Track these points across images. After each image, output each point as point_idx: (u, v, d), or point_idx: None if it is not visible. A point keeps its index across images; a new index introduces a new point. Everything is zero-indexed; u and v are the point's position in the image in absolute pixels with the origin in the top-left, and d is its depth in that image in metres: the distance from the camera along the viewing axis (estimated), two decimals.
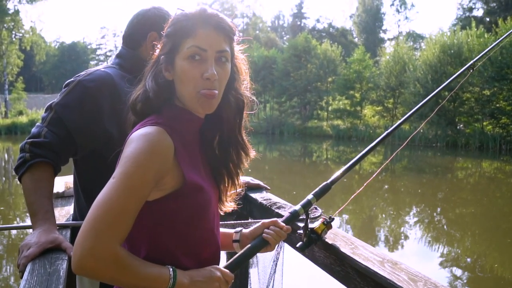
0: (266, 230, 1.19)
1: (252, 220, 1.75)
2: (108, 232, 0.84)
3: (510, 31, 1.87)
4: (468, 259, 5.85)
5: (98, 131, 1.51)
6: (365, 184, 1.44)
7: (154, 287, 0.91)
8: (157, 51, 1.07)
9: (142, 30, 1.62)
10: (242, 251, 1.15)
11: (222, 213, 1.20)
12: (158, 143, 0.94)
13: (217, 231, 1.12)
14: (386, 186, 11.13)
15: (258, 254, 1.95)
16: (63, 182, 2.22)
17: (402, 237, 6.83)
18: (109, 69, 1.58)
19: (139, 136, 0.95)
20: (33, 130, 1.48)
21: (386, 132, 1.50)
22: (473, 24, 23.24)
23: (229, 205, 1.21)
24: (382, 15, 57.68)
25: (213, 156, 1.15)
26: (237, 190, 1.20)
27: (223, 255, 1.30)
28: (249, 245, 1.16)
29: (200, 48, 0.99)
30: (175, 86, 1.04)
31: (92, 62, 63.45)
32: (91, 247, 0.82)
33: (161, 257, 0.98)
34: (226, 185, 1.17)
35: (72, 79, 1.55)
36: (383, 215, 8.36)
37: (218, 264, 1.09)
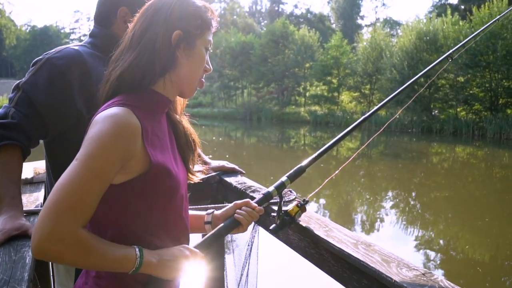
0: (238, 210, 1.19)
1: (227, 204, 1.73)
2: (68, 214, 0.81)
3: (493, 20, 1.89)
4: (441, 241, 6.00)
5: (68, 110, 1.44)
6: (340, 168, 1.43)
7: (121, 268, 0.89)
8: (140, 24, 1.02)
9: (112, 7, 1.56)
10: (213, 231, 1.14)
11: (193, 182, 1.19)
12: (124, 124, 0.90)
13: (185, 214, 1.10)
14: (362, 171, 11.28)
15: (233, 238, 1.94)
16: (31, 168, 2.15)
17: (378, 221, 6.95)
18: (80, 47, 1.52)
19: (104, 117, 0.91)
20: (0, 111, 1.41)
21: (363, 117, 1.48)
22: (449, 12, 23.60)
23: (198, 174, 1.20)
24: (360, 1, 57.98)
25: (180, 133, 1.14)
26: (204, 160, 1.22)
27: (198, 238, 1.28)
28: (220, 225, 1.15)
29: (211, 43, 1.09)
30: (176, 65, 1.03)
31: None
32: (50, 229, 0.79)
33: (128, 239, 0.95)
34: (193, 159, 1.18)
35: (40, 57, 1.49)
36: (360, 200, 8.48)
37: None
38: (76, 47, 1.51)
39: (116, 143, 0.88)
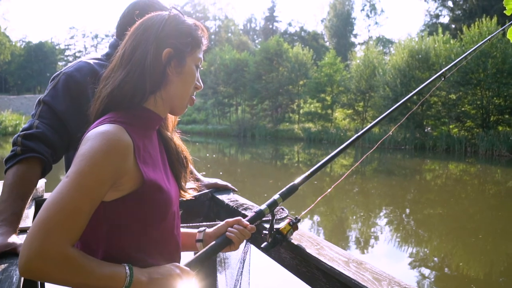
0: (229, 228, 1.19)
1: (219, 222, 1.72)
2: (58, 233, 0.80)
3: (484, 40, 1.93)
4: (436, 259, 5.97)
5: (88, 117, 1.49)
6: (332, 186, 1.43)
7: (110, 286, 0.88)
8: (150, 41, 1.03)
9: (133, 20, 1.60)
10: (204, 249, 1.13)
11: (185, 199, 1.19)
12: (116, 142, 0.90)
13: (177, 231, 1.10)
14: (356, 188, 11.27)
15: (225, 256, 1.93)
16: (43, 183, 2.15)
17: (372, 238, 6.92)
18: (92, 60, 1.60)
19: (96, 134, 0.91)
20: (24, 125, 1.46)
21: (355, 136, 1.49)
22: (440, 30, 23.94)
23: (190, 192, 1.21)
24: (353, 20, 58.72)
25: (171, 150, 1.15)
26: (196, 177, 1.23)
27: (190, 255, 1.27)
28: (212, 243, 1.14)
29: (201, 61, 1.10)
30: (166, 83, 1.03)
31: (60, 63, 62.08)
32: (39, 248, 0.78)
33: (119, 257, 0.94)
34: (185, 175, 1.18)
35: (57, 73, 1.58)
36: (354, 217, 8.46)
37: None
38: (88, 60, 1.59)
39: (108, 160, 0.88)
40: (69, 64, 1.61)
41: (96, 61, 1.60)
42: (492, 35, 2.00)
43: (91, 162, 0.86)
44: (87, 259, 0.86)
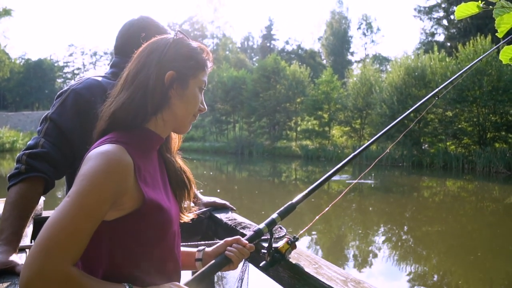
0: (228, 247, 1.19)
1: (217, 241, 1.72)
2: (59, 253, 0.81)
3: (474, 62, 1.97)
4: (435, 277, 5.94)
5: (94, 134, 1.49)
6: (330, 205, 1.43)
7: None
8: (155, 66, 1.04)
9: (136, 38, 1.61)
10: (203, 268, 1.14)
11: (183, 221, 1.19)
12: (116, 162, 0.91)
13: (177, 250, 1.10)
14: (354, 206, 11.25)
15: (223, 275, 1.92)
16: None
17: (371, 256, 6.88)
18: (99, 77, 1.59)
19: (97, 153, 0.92)
20: (30, 142, 1.46)
21: (352, 154, 1.51)
22: (435, 48, 24.22)
23: (189, 214, 1.21)
24: (350, 38, 59.29)
25: (172, 171, 1.16)
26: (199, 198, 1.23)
27: (188, 274, 1.27)
28: (211, 262, 1.15)
29: (205, 84, 1.11)
30: (169, 105, 1.05)
31: (59, 80, 62.27)
32: (40, 268, 0.79)
33: (119, 276, 0.94)
34: (186, 197, 1.18)
35: (65, 88, 1.56)
36: (352, 235, 8.42)
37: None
38: (97, 78, 1.58)
39: (108, 180, 0.89)
40: (76, 81, 1.59)
41: (106, 80, 1.59)
42: (482, 56, 2.04)
43: (92, 182, 0.87)
44: (88, 279, 0.86)
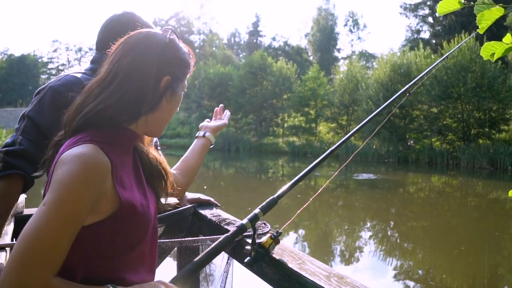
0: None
1: (202, 237, 1.71)
2: (39, 265, 0.76)
3: (438, 61, 2.02)
4: (420, 271, 6.01)
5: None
6: (311, 198, 1.46)
7: None
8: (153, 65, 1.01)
9: (118, 35, 1.59)
10: (188, 265, 1.13)
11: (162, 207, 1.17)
12: (94, 165, 0.86)
13: (154, 246, 1.09)
14: (340, 202, 11.32)
15: (209, 272, 1.91)
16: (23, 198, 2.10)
17: (357, 251, 6.94)
18: (78, 74, 1.56)
19: (72, 156, 0.86)
20: (7, 140, 1.43)
21: (330, 149, 1.54)
22: (421, 45, 24.47)
23: (167, 207, 1.20)
24: (336, 34, 59.48)
25: (147, 163, 1.12)
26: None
27: (174, 272, 1.26)
28: (195, 259, 1.14)
29: (186, 87, 1.10)
30: (157, 108, 1.02)
31: (43, 76, 61.30)
32: (18, 283, 0.74)
33: (98, 278, 0.92)
34: (163, 187, 1.16)
35: (42, 86, 1.53)
36: (338, 230, 8.48)
37: (153, 280, 1.06)
38: (76, 74, 1.55)
39: (87, 185, 0.84)
40: (55, 78, 1.56)
41: (86, 76, 1.55)
42: (446, 54, 2.12)
43: (69, 188, 0.82)
44: (71, 287, 0.83)
